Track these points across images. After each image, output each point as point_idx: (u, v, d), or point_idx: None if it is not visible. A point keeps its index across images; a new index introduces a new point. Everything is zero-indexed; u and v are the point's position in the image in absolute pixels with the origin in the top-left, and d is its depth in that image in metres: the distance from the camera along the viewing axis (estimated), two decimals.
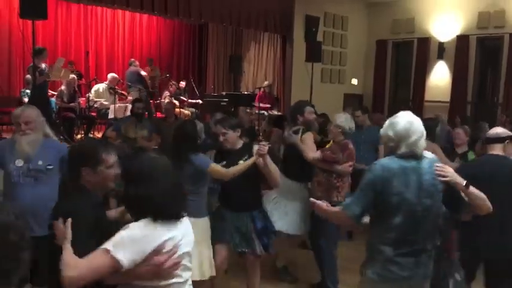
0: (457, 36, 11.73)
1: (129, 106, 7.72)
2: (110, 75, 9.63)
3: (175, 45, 13.22)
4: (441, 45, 11.95)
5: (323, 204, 2.78)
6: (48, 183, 3.17)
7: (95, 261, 1.90)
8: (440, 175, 2.60)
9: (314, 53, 10.80)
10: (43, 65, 8.00)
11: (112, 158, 2.27)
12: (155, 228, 1.97)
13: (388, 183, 2.56)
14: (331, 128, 4.48)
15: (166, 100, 9.99)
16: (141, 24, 12.51)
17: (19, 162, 3.19)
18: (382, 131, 2.71)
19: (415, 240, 2.62)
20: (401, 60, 13.23)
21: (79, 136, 8.70)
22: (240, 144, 3.85)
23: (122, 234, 1.94)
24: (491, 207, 2.67)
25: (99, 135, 8.92)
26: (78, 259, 1.91)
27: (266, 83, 11.14)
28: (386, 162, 2.64)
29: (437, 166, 2.62)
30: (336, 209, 2.78)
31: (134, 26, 12.42)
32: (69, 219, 2.01)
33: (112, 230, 2.04)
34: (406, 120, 2.62)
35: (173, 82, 10.55)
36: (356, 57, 13.12)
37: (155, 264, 1.94)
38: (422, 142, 2.60)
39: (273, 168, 3.66)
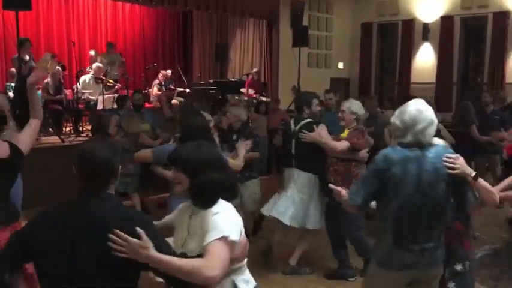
0: (441, 17, 11.81)
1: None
2: (95, 65, 9.44)
3: (159, 34, 13.03)
4: (426, 27, 12.02)
5: (342, 191, 2.75)
6: None
7: (222, 252, 1.91)
8: (449, 167, 2.54)
9: (301, 38, 10.77)
10: (27, 57, 7.84)
11: None
12: (234, 209, 2.11)
13: (388, 173, 2.56)
14: (344, 115, 4.37)
15: (155, 89, 9.88)
16: (123, 13, 12.29)
17: None
18: (391, 119, 2.70)
19: (416, 228, 2.60)
20: (387, 43, 13.29)
21: (67, 129, 8.58)
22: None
23: (223, 219, 2.00)
24: (498, 201, 2.61)
25: (88, 127, 8.81)
26: (202, 260, 1.89)
27: (255, 69, 11.07)
28: (389, 151, 2.64)
29: (447, 157, 2.55)
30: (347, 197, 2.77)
31: (117, 15, 12.19)
32: (138, 228, 1.82)
33: None
34: (414, 109, 2.59)
35: (164, 72, 10.42)
36: (341, 41, 13.13)
37: (243, 245, 2.05)
38: (431, 130, 2.58)
39: None
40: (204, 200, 2.08)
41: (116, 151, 2.00)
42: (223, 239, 1.91)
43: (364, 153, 4.24)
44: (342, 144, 4.21)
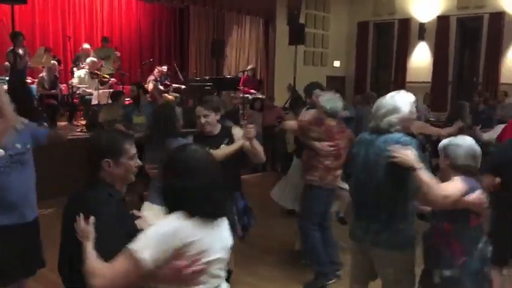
0: (438, 16, 11.84)
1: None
2: (89, 60, 9.39)
3: (155, 30, 12.98)
4: (422, 26, 12.06)
5: None
6: (30, 164, 3.11)
7: (121, 265, 1.76)
8: (390, 156, 2.65)
9: (297, 36, 10.76)
10: (20, 50, 7.79)
11: (133, 148, 2.10)
12: (187, 224, 1.83)
13: (351, 151, 3.02)
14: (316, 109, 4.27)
15: (151, 85, 9.84)
16: (120, 7, 12.24)
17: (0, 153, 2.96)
18: None
19: (364, 205, 2.87)
20: (383, 42, 13.32)
21: (63, 123, 8.55)
22: (219, 128, 3.68)
23: (148, 232, 1.82)
24: (438, 201, 2.53)
25: (82, 122, 8.78)
26: (103, 265, 1.79)
27: (250, 66, 11.07)
28: (359, 135, 3.02)
29: (392, 146, 2.65)
30: None
31: (113, 9, 12.14)
32: (92, 217, 1.88)
33: (135, 227, 2.04)
34: (386, 97, 2.82)
35: (159, 68, 10.39)
36: (338, 40, 13.15)
37: (174, 268, 1.80)
38: (391, 118, 2.73)
39: (259, 147, 3.59)
40: (165, 204, 1.95)
41: (101, 140, 2.05)
42: (128, 251, 1.76)
43: (323, 145, 3.98)
44: (291, 123, 4.38)
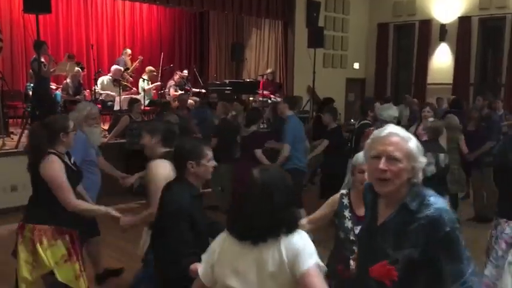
0: (459, 17, 11.70)
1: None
2: (113, 68, 9.61)
3: (176, 34, 13.17)
4: (443, 27, 11.91)
5: None
6: None
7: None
8: None
9: (316, 39, 10.76)
10: (42, 59, 7.98)
11: (211, 152, 2.63)
12: None
13: None
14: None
15: (172, 90, 9.98)
16: (141, 13, 12.45)
17: None
18: None
19: None
20: (403, 43, 13.21)
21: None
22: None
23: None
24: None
25: (105, 127, 8.95)
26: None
27: (269, 70, 11.12)
28: None
29: None
30: None
31: (134, 15, 12.36)
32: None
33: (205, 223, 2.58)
34: None
35: (180, 72, 10.54)
36: (358, 42, 13.09)
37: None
38: None
39: None
40: None
41: (184, 146, 2.66)
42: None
43: None
44: None
